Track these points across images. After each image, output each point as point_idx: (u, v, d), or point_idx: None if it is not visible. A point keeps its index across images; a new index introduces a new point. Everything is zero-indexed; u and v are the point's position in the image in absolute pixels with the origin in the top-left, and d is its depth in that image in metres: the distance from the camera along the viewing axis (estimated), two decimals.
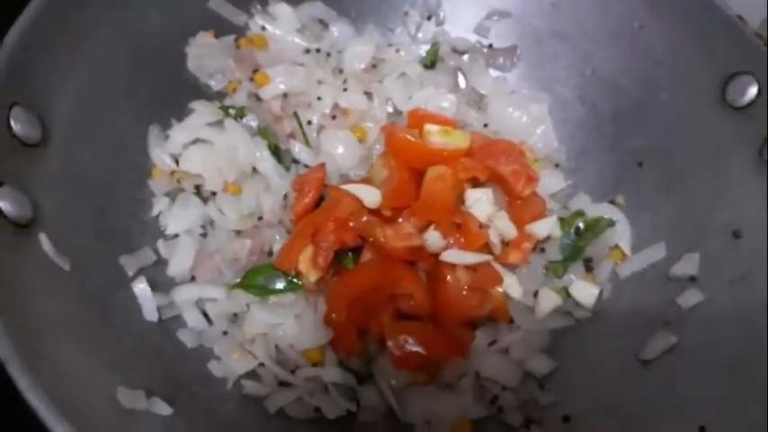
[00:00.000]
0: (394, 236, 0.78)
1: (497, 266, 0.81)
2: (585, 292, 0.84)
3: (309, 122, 0.90)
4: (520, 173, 0.83)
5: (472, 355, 0.80)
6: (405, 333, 0.77)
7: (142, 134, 0.83)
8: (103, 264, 0.73)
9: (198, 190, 0.84)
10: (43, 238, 0.64)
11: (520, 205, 0.83)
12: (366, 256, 0.81)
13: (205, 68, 0.87)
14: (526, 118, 0.94)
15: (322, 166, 0.85)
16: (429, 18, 0.99)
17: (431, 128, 0.84)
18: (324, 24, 0.95)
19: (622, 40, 0.89)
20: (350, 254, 0.81)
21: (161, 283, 0.78)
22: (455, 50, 0.99)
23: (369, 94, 0.93)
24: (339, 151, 0.88)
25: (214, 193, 0.84)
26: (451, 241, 0.79)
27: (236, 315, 0.79)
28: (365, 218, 0.79)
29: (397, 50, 0.96)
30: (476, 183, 0.84)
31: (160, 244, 0.81)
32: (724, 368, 0.71)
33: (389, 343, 0.76)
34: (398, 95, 0.93)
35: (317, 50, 0.93)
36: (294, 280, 0.79)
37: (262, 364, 0.76)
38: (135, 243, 0.78)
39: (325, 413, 0.75)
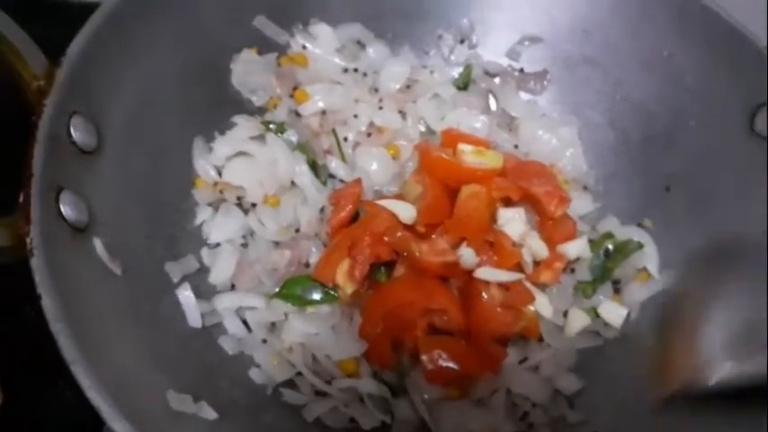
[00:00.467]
0: (429, 251, 0.80)
1: (529, 285, 0.83)
2: (614, 312, 0.85)
3: (345, 139, 0.93)
4: (552, 194, 0.85)
5: (504, 371, 0.81)
6: (438, 348, 0.78)
7: (187, 145, 0.85)
8: (151, 270, 0.75)
9: (239, 201, 0.86)
10: (98, 243, 0.66)
11: (551, 226, 0.85)
12: (399, 270, 0.83)
13: (248, 84, 0.90)
14: (556, 141, 0.96)
15: (358, 181, 0.87)
16: (462, 42, 1.02)
17: (464, 147, 0.86)
18: (361, 45, 0.98)
19: (653, 67, 0.92)
20: (383, 268, 0.83)
21: (203, 291, 0.80)
22: (487, 73, 1.01)
23: (403, 114, 0.95)
24: (373, 167, 0.91)
25: (254, 205, 0.86)
26: (484, 258, 0.81)
27: (274, 324, 0.80)
28: (400, 233, 0.81)
29: (431, 72, 0.98)
30: (508, 202, 0.86)
31: (204, 252, 0.83)
32: None
33: (423, 357, 0.77)
34: (431, 115, 0.96)
35: (355, 70, 0.96)
36: (331, 292, 0.80)
37: (299, 374, 0.77)
38: (179, 250, 0.80)
39: (360, 424, 0.76)
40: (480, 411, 0.79)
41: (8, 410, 0.79)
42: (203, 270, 0.82)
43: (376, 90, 0.96)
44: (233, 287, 0.82)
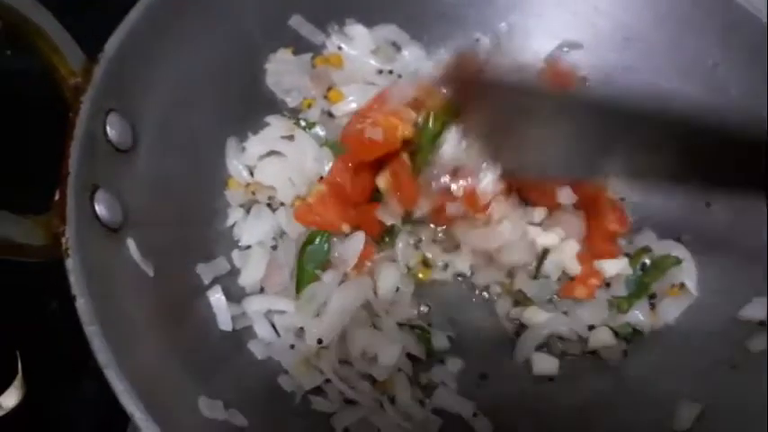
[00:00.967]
0: None
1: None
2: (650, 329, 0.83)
3: None
4: (618, 209, 0.85)
5: None
6: None
7: (220, 145, 0.84)
8: (182, 271, 0.74)
9: (270, 201, 0.86)
10: (131, 244, 0.65)
11: (596, 241, 0.83)
12: None
13: (282, 84, 0.89)
14: None
15: None
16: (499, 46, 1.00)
17: None
18: (397, 47, 0.96)
19: (695, 77, 0.89)
20: None
21: (233, 293, 0.79)
22: None
23: None
24: None
25: (283, 204, 0.85)
26: None
27: (302, 329, 0.79)
28: None
29: None
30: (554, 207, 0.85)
31: (235, 254, 0.82)
32: None
33: None
34: None
35: (390, 72, 0.94)
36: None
37: (328, 380, 0.76)
38: (210, 252, 0.79)
39: None
40: None
41: (30, 407, 0.79)
42: (233, 272, 0.81)
43: None
44: (262, 290, 0.81)
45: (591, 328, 0.83)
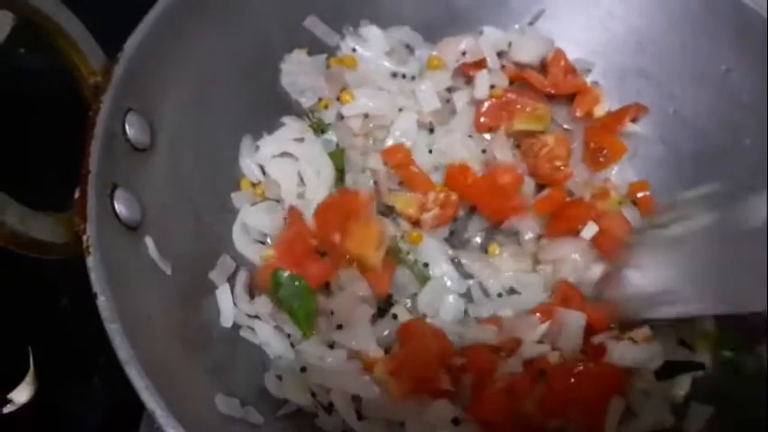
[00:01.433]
0: None
1: None
2: None
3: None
4: None
5: None
6: None
7: (235, 144, 0.85)
8: (197, 269, 0.74)
9: (279, 202, 0.86)
10: (149, 242, 0.66)
11: None
12: None
13: (297, 85, 0.89)
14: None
15: None
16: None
17: None
18: (410, 49, 0.97)
19: (708, 82, 0.90)
20: None
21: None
22: None
23: None
24: None
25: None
26: None
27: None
28: None
29: None
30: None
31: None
32: None
33: None
34: None
35: (403, 76, 0.94)
36: None
37: None
38: (224, 250, 0.80)
39: None
40: None
41: (42, 402, 0.80)
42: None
43: None
44: None
45: None
